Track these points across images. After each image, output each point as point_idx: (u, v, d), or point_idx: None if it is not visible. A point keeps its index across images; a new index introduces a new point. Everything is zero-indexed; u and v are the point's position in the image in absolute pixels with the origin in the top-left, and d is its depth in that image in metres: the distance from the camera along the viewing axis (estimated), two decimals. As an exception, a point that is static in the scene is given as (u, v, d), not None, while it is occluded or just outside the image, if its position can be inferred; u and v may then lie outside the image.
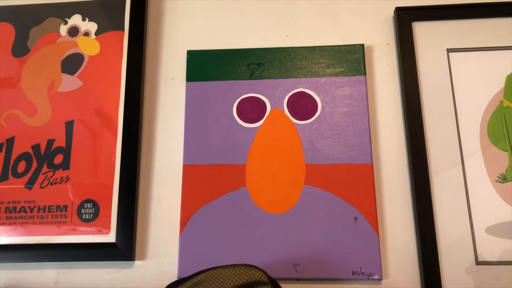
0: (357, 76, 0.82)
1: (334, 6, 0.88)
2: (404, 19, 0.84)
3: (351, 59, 0.83)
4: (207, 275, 0.62)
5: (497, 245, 0.73)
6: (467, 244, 0.73)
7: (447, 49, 0.82)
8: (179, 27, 0.90)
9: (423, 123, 0.79)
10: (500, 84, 0.80)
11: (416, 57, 0.82)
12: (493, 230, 0.73)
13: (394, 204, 0.77)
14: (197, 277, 0.62)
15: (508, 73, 0.80)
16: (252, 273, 0.63)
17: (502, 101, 0.79)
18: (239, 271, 0.63)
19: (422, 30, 0.84)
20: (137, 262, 0.78)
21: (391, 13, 0.86)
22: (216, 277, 0.62)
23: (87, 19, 0.89)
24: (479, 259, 0.73)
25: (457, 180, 0.76)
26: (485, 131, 0.78)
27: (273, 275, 0.73)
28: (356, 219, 0.75)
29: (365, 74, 0.82)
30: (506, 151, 0.76)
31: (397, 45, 0.84)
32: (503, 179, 0.75)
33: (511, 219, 0.73)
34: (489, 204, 0.74)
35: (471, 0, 0.84)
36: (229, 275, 0.62)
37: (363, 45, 0.83)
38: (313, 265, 0.74)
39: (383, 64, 0.84)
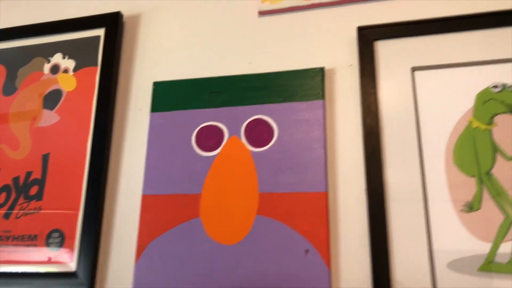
0: (315, 101, 0.79)
1: (298, 29, 0.86)
2: (366, 39, 0.80)
3: (310, 84, 0.81)
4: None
5: (460, 282, 0.65)
6: (426, 281, 0.67)
7: (411, 67, 0.77)
8: (149, 59, 0.93)
9: (383, 148, 0.74)
10: (469, 103, 0.73)
11: (377, 78, 0.78)
12: (456, 265, 0.66)
13: (350, 236, 0.73)
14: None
15: (478, 91, 0.73)
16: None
17: (470, 122, 0.72)
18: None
19: (385, 49, 0.79)
20: (97, 291, 0.80)
21: (354, 33, 0.83)
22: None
23: (67, 56, 0.95)
24: (441, 297, 0.66)
25: (417, 210, 0.70)
26: (451, 155, 0.71)
27: (220, 308, 0.71)
28: (307, 251, 0.72)
29: (323, 98, 0.79)
30: (474, 177, 0.69)
31: (359, 67, 0.80)
32: (469, 208, 0.68)
33: (477, 253, 0.66)
34: (452, 236, 0.67)
35: (436, 14, 0.79)
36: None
37: (322, 68, 0.81)
38: (261, 299, 0.71)
39: (345, 87, 0.81)
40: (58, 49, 0.96)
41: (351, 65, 0.81)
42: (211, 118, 0.83)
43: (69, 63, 0.95)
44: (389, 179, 0.72)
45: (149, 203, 0.81)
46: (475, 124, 0.71)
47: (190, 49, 0.91)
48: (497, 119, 0.71)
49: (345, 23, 0.83)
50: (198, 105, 0.85)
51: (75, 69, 0.94)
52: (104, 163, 0.85)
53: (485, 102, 0.72)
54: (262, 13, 0.89)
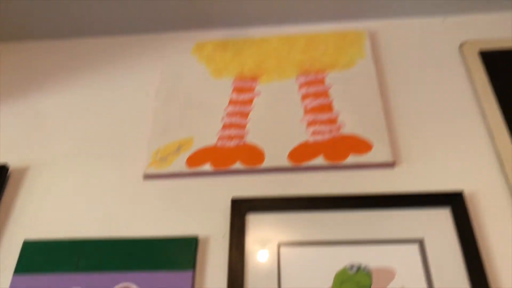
0: (185, 271, 0.78)
1: (178, 196, 0.89)
2: (239, 210, 0.83)
3: (183, 252, 0.80)
4: None
5: None
6: None
7: (278, 242, 0.79)
8: (28, 216, 0.90)
9: (244, 327, 0.72)
10: (328, 282, 0.75)
11: (246, 250, 0.79)
12: None
13: None
14: None
15: (337, 270, 0.75)
16: None
17: (329, 303, 0.73)
18: None
19: (255, 222, 0.82)
20: None
21: (229, 203, 0.86)
22: None
23: None
24: None
25: None
26: (310, 338, 0.70)
27: None
28: None
29: (193, 268, 0.79)
30: None
31: (230, 237, 0.81)
32: None
33: None
34: None
35: (306, 191, 0.85)
36: None
37: (196, 238, 0.82)
38: None
39: (217, 257, 0.81)
40: None
41: (224, 235, 0.83)
42: (77, 284, 0.79)
43: None
44: None
45: None
46: (333, 305, 0.73)
47: (70, 208, 0.90)
48: (353, 301, 0.73)
49: (222, 193, 0.87)
50: (66, 269, 0.81)
51: None
52: None
53: (342, 282, 0.74)
54: (147, 177, 0.92)
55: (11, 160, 0.97)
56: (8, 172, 0.95)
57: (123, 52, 1.17)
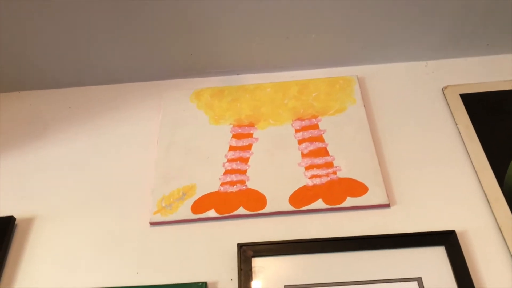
0: (195, 318, 0.81)
1: (185, 242, 0.92)
2: (245, 255, 0.87)
3: (192, 297, 0.84)
4: None
5: None
6: None
7: (284, 285, 0.83)
8: (35, 265, 0.92)
9: None
10: (333, 324, 0.79)
11: (254, 294, 0.83)
12: None
13: None
14: None
15: (342, 311, 0.80)
16: None
17: None
18: None
19: (261, 266, 0.86)
20: None
21: (235, 248, 0.90)
22: None
23: None
24: None
25: None
26: None
27: None
28: None
29: (203, 315, 0.82)
30: None
31: (238, 282, 0.85)
32: None
33: None
34: None
35: (308, 233, 0.89)
36: None
37: (205, 283, 0.85)
38: None
39: (226, 302, 0.84)
40: None
41: (231, 279, 0.86)
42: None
43: None
44: None
45: None
46: None
47: (77, 258, 0.92)
48: None
49: (227, 238, 0.91)
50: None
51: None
52: None
53: (348, 323, 0.78)
54: (153, 224, 0.95)
55: (16, 211, 0.99)
56: (15, 223, 0.97)
57: (122, 100, 1.21)
